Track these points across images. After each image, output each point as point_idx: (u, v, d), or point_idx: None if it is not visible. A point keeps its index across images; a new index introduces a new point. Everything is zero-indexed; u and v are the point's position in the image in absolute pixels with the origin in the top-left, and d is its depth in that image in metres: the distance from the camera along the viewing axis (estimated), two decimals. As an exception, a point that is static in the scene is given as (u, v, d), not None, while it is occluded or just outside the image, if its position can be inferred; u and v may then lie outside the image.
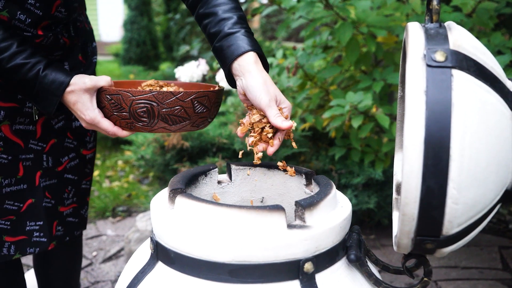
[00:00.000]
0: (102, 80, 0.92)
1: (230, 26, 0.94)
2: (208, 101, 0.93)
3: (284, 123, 0.88)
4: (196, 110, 0.92)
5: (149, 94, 0.87)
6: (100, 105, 0.93)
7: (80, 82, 0.92)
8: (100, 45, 9.50)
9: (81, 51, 1.18)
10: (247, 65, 0.90)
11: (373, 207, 2.05)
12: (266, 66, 0.95)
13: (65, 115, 1.18)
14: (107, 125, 0.93)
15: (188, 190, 0.91)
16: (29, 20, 0.97)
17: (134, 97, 0.88)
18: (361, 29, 1.80)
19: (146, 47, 6.98)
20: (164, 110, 0.89)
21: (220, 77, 2.01)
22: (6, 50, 0.91)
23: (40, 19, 0.99)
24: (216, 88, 1.02)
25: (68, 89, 0.92)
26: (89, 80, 0.91)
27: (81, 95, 0.92)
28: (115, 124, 0.93)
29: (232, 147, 2.13)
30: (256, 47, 0.92)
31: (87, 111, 0.92)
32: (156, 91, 0.88)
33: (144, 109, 0.88)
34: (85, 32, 1.20)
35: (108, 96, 0.91)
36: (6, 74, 0.93)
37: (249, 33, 0.94)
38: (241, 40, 0.91)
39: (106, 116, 0.93)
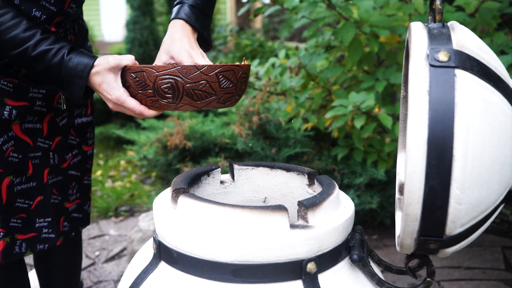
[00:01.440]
0: (126, 59, 0.93)
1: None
2: (233, 75, 0.92)
3: None
4: (222, 85, 0.91)
5: (172, 69, 0.87)
6: (125, 85, 0.93)
7: (104, 62, 0.92)
8: (102, 45, 9.51)
9: None
10: (170, 30, 1.05)
11: (376, 207, 2.05)
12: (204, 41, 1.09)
13: (68, 113, 1.19)
14: (133, 104, 0.93)
15: (191, 190, 0.91)
16: (44, 16, 0.99)
17: (158, 73, 0.87)
18: (363, 29, 1.80)
19: (149, 47, 6.97)
20: (188, 85, 0.88)
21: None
22: (31, 38, 0.92)
23: (54, 15, 1.01)
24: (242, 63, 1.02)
25: (93, 70, 0.92)
26: (113, 59, 0.92)
27: (105, 75, 0.92)
28: (141, 103, 0.93)
29: (234, 147, 2.13)
30: (182, 16, 1.04)
31: (113, 90, 0.92)
32: (180, 65, 0.87)
33: (169, 84, 0.88)
34: (84, 31, 1.23)
35: (132, 75, 0.91)
36: (32, 62, 0.94)
37: (193, 7, 1.06)
38: (182, 10, 1.05)
39: (132, 95, 0.93)
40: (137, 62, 0.97)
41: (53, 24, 1.03)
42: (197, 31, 1.06)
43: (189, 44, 1.01)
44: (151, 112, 0.94)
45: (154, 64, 0.90)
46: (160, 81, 0.88)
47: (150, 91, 0.90)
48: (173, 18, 1.05)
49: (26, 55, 0.93)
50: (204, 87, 0.89)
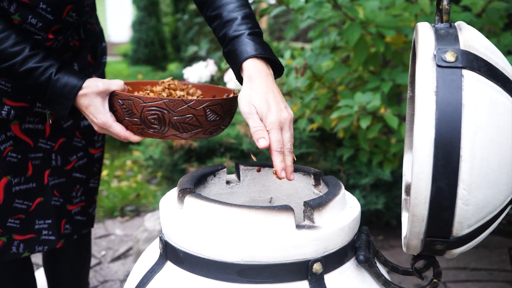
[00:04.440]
0: (115, 84, 0.92)
1: (234, 29, 0.90)
2: (221, 109, 0.91)
3: (260, 142, 0.81)
4: (208, 118, 0.90)
5: (160, 102, 0.86)
6: (112, 109, 0.93)
7: (93, 85, 0.91)
8: (108, 46, 9.51)
9: (90, 52, 1.19)
10: (244, 77, 0.87)
11: (381, 208, 2.04)
12: (277, 66, 0.90)
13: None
14: (119, 130, 0.92)
15: (197, 190, 0.91)
16: (40, 24, 0.98)
17: (145, 104, 0.87)
18: (369, 29, 1.80)
19: (154, 47, 7.01)
20: (175, 118, 0.88)
21: (229, 78, 2.01)
22: (19, 54, 0.91)
23: (51, 23, 0.99)
24: (231, 95, 1.01)
25: (81, 92, 0.92)
26: (102, 84, 0.91)
27: (93, 98, 0.91)
28: (127, 128, 0.93)
29: (240, 147, 2.13)
30: (258, 51, 0.86)
31: (99, 114, 0.92)
32: (168, 98, 0.87)
33: (155, 116, 0.88)
34: (95, 34, 1.20)
35: (120, 101, 0.91)
36: (19, 78, 0.93)
37: (253, 34, 0.89)
38: (244, 44, 0.87)
39: (118, 120, 0.93)
40: (126, 87, 0.96)
41: (51, 31, 1.01)
42: (270, 61, 0.90)
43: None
44: (136, 138, 0.94)
45: (142, 94, 0.89)
46: (146, 112, 0.88)
47: (137, 119, 0.90)
48: (248, 57, 0.86)
49: (13, 70, 0.92)
50: (191, 120, 0.89)
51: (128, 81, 1.05)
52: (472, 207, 0.63)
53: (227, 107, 0.93)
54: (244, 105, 0.84)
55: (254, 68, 0.86)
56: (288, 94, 2.25)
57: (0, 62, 0.92)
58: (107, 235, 2.40)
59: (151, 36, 6.97)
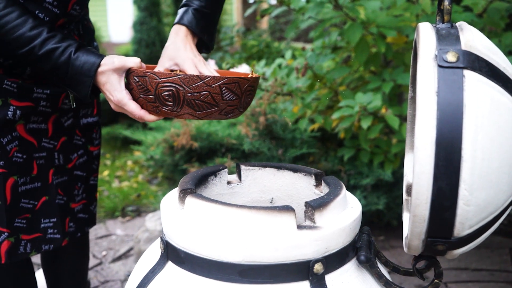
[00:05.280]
0: (131, 61, 0.92)
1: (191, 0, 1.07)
2: (238, 88, 0.89)
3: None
4: (225, 97, 0.89)
5: (175, 77, 0.85)
6: (129, 87, 0.93)
7: (109, 62, 0.92)
8: (109, 46, 9.55)
9: None
10: (171, 33, 1.06)
11: (382, 208, 2.04)
12: (204, 43, 1.08)
13: (73, 113, 1.20)
14: (133, 108, 0.92)
15: (198, 190, 0.92)
16: (47, 18, 0.99)
17: (159, 80, 0.86)
18: (370, 29, 1.80)
19: (156, 48, 6.99)
20: (189, 94, 0.86)
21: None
22: (38, 37, 0.92)
23: (57, 17, 1.01)
24: (249, 75, 0.99)
25: (100, 69, 0.92)
26: (118, 60, 0.92)
27: (110, 75, 0.92)
28: (142, 107, 0.93)
29: (241, 147, 2.13)
30: (190, 24, 1.04)
31: (115, 92, 0.92)
32: (182, 74, 0.86)
33: (170, 92, 0.86)
34: (90, 31, 1.23)
35: (135, 78, 0.90)
36: (39, 61, 0.93)
37: (199, 11, 1.05)
38: (186, 14, 1.05)
39: (134, 98, 0.93)
40: (143, 65, 0.96)
41: (56, 26, 1.03)
42: (197, 36, 1.06)
43: (192, 53, 1.01)
44: (151, 117, 0.94)
45: (158, 70, 0.88)
46: (161, 88, 0.87)
47: (152, 96, 0.89)
48: (176, 23, 1.05)
49: (33, 54, 0.93)
50: (206, 98, 0.87)
51: (151, 65, 1.05)
52: (473, 207, 0.63)
53: (245, 86, 0.91)
54: (167, 57, 1.03)
55: (178, 30, 1.05)
56: (289, 94, 2.25)
57: (20, 48, 0.92)
58: (108, 235, 2.40)
59: (152, 37, 6.96)
